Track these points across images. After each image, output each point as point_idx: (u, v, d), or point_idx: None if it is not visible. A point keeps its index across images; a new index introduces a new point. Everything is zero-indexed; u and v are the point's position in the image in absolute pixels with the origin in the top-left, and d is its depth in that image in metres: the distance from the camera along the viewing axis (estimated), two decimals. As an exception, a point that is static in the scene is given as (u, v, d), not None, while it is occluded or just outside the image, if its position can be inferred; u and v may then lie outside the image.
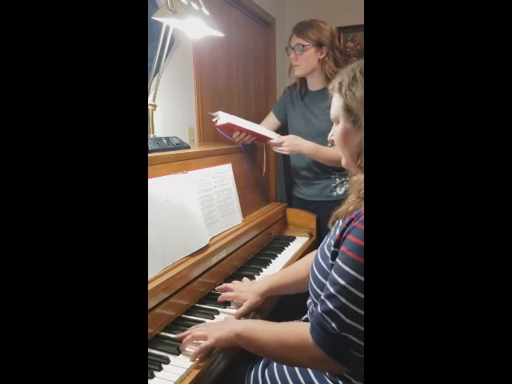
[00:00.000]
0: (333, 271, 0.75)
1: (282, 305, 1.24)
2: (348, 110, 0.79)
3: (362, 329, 0.69)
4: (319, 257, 0.85)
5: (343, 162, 0.87)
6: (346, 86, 0.79)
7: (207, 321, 0.98)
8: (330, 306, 0.72)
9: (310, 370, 0.86)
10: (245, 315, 1.05)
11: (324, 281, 0.79)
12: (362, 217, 0.73)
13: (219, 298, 1.10)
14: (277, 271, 1.31)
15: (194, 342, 0.88)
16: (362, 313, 0.69)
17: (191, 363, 0.82)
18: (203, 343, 0.85)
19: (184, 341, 0.87)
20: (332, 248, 0.79)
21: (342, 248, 0.74)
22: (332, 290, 0.73)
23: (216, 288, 1.14)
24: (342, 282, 0.71)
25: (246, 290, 1.10)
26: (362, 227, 0.71)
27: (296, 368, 0.88)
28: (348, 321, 0.70)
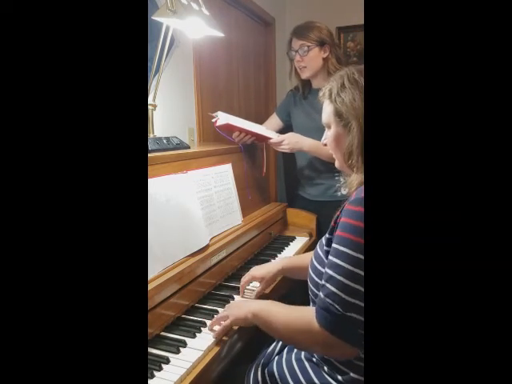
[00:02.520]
0: (329, 255, 0.78)
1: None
2: (338, 115, 0.84)
3: None
4: (318, 248, 0.90)
5: (336, 164, 0.92)
6: (335, 93, 0.84)
7: (207, 322, 0.98)
8: (331, 287, 0.74)
9: (309, 368, 0.87)
10: (263, 292, 1.14)
11: (321, 269, 0.81)
12: (352, 197, 0.77)
13: (241, 286, 1.15)
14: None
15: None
16: (362, 289, 0.71)
17: (191, 363, 0.82)
18: (224, 323, 0.93)
19: (211, 323, 0.96)
20: (327, 235, 0.83)
21: (337, 232, 0.77)
22: (330, 272, 0.75)
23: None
24: (338, 262, 0.74)
25: (262, 269, 1.16)
26: (353, 208, 0.75)
27: (295, 366, 0.89)
28: (349, 299, 0.72)
